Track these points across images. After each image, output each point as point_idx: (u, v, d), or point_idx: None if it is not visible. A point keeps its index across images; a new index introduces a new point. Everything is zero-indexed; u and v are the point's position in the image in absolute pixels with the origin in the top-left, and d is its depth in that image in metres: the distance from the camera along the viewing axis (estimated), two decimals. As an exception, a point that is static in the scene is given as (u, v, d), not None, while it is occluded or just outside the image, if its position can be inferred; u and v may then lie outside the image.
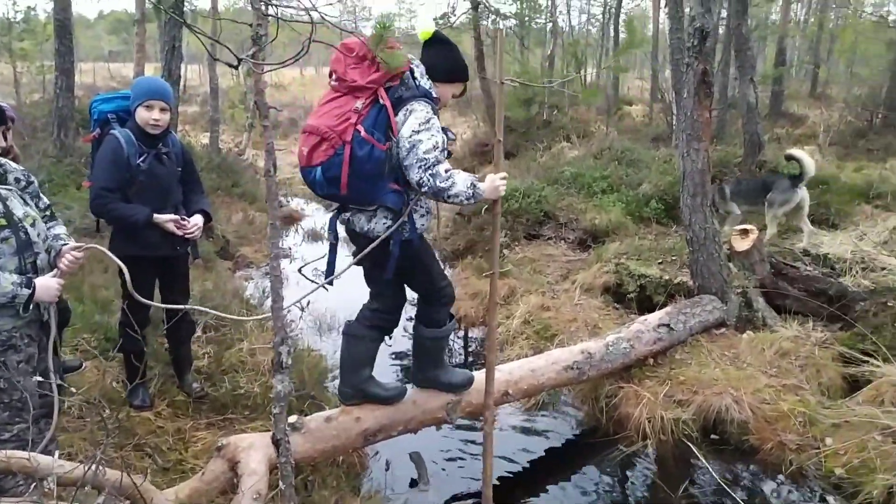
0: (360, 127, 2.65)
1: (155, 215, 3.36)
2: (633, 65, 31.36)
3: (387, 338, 3.27)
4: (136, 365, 3.32)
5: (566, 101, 15.40)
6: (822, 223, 7.15)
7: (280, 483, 2.02)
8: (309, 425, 3.10)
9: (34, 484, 2.17)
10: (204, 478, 2.81)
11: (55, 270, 2.55)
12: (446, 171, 2.69)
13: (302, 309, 5.13)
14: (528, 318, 5.54)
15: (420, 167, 2.67)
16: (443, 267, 3.16)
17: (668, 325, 4.58)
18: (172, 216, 3.43)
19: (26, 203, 2.55)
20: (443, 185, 2.69)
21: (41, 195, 2.67)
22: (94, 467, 1.95)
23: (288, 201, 10.87)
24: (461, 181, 2.73)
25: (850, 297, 4.96)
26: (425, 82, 2.82)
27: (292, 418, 3.03)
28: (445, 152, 2.76)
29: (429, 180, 2.68)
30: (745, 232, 5.39)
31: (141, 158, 3.36)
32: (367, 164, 2.68)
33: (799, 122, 14.83)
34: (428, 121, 2.70)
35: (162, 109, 3.38)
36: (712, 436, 4.01)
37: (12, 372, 2.41)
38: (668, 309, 4.83)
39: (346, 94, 2.72)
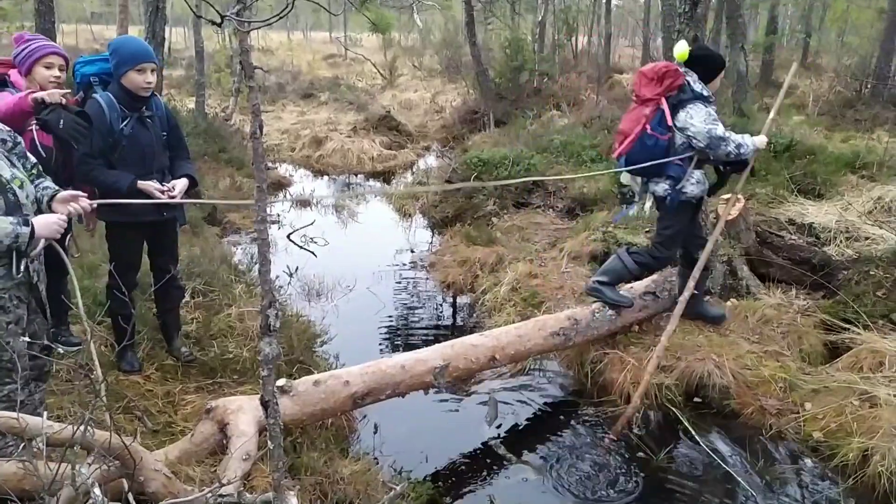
0: (647, 126, 3.95)
1: (139, 182, 3.29)
2: (624, 32, 31.08)
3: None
4: (125, 327, 3.33)
5: (557, 70, 15.26)
6: (808, 193, 7.19)
7: (269, 443, 2.05)
8: (298, 388, 3.13)
9: (23, 444, 2.19)
10: (193, 439, 2.85)
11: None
12: (730, 138, 3.91)
13: (290, 275, 5.13)
14: (515, 286, 5.57)
15: (720, 145, 3.89)
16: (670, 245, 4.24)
17: (653, 293, 4.63)
18: (157, 185, 3.34)
19: (13, 165, 2.50)
20: (730, 147, 3.91)
21: (28, 155, 2.63)
22: (82, 428, 1.97)
23: (275, 167, 10.77)
24: (739, 139, 3.93)
25: (833, 265, 5.03)
26: (699, 87, 3.95)
27: (281, 381, 3.06)
28: (751, 141, 3.97)
29: (730, 148, 3.90)
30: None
31: (124, 123, 3.30)
32: (655, 150, 3.96)
33: (788, 92, 14.80)
34: (709, 114, 3.92)
35: (152, 71, 3.33)
36: (695, 400, 4.09)
37: (1, 333, 2.41)
38: (653, 277, 4.86)
39: (640, 105, 4.02)
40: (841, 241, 5.68)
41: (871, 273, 4.65)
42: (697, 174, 4.08)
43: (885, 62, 12.82)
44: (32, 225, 2.39)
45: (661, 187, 4.10)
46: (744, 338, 4.38)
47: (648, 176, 4.14)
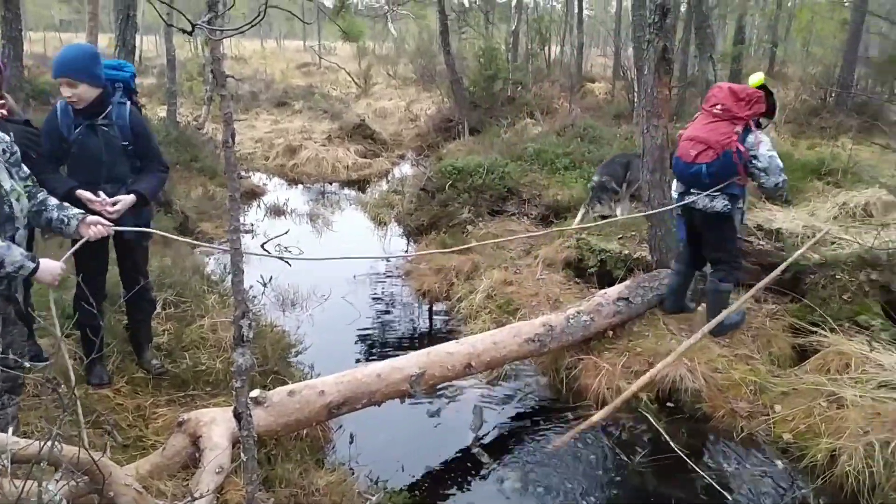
0: (738, 143, 4.14)
1: (77, 191, 3.17)
2: (596, 42, 31.46)
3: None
4: (93, 339, 3.26)
5: (530, 79, 15.40)
6: (775, 199, 7.34)
7: (242, 455, 2.02)
8: (272, 399, 3.10)
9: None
10: (165, 453, 2.80)
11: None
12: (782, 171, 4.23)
13: (265, 285, 5.08)
14: (490, 293, 5.59)
15: (777, 174, 4.17)
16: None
17: (626, 299, 4.69)
18: (95, 196, 3.20)
19: (12, 176, 2.55)
20: (781, 182, 4.21)
21: (21, 164, 2.65)
22: (50, 443, 1.92)
23: (249, 176, 10.68)
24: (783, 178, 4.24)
25: (800, 270, 5.13)
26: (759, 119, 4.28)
27: (255, 392, 3.03)
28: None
29: (781, 179, 4.20)
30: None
31: (76, 130, 3.27)
32: (734, 166, 4.17)
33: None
34: (772, 142, 4.26)
35: (69, 85, 3.17)
36: (668, 404, 4.14)
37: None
38: (627, 283, 4.93)
39: (724, 120, 4.18)
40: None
41: (837, 277, 4.75)
42: (743, 200, 4.45)
43: (848, 71, 13.15)
44: (38, 264, 2.49)
45: (720, 203, 4.27)
46: (714, 342, 4.44)
47: (712, 190, 4.27)
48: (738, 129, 4.15)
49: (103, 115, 3.32)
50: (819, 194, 7.49)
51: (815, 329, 4.46)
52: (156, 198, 3.54)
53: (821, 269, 4.96)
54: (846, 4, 14.36)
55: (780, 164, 4.19)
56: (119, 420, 3.33)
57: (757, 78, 4.30)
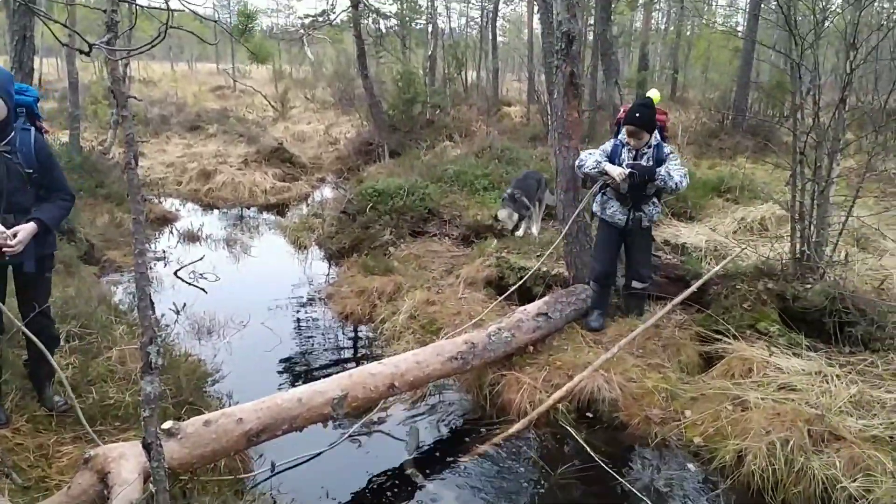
0: None
1: None
2: (511, 67, 32.40)
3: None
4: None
5: (448, 102, 15.67)
6: (680, 216, 7.76)
7: (152, 488, 1.94)
8: (186, 430, 2.98)
9: None
10: (70, 492, 2.64)
11: None
12: (583, 161, 4.84)
13: (178, 312, 4.90)
14: (413, 314, 5.61)
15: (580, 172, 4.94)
16: (605, 254, 5.06)
17: (546, 314, 4.81)
18: None
19: None
20: (577, 163, 4.88)
21: None
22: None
23: (158, 201, 10.30)
24: (589, 160, 4.80)
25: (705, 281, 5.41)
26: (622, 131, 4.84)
27: (167, 424, 2.91)
28: (593, 160, 4.80)
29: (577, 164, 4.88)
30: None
31: None
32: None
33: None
34: (598, 150, 4.90)
35: None
36: (587, 414, 4.26)
37: None
38: (545, 299, 5.06)
39: None
40: (711, 259, 6.15)
41: (738, 287, 5.04)
42: (598, 197, 4.99)
43: (741, 96, 14.12)
44: None
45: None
46: (629, 352, 4.62)
47: None
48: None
49: (5, 141, 3.15)
50: (719, 210, 7.98)
51: (719, 337, 4.72)
52: (59, 227, 3.35)
53: (723, 280, 5.26)
54: (738, 35, 15.43)
55: (577, 163, 4.89)
56: (19, 461, 3.11)
57: (651, 94, 4.82)
